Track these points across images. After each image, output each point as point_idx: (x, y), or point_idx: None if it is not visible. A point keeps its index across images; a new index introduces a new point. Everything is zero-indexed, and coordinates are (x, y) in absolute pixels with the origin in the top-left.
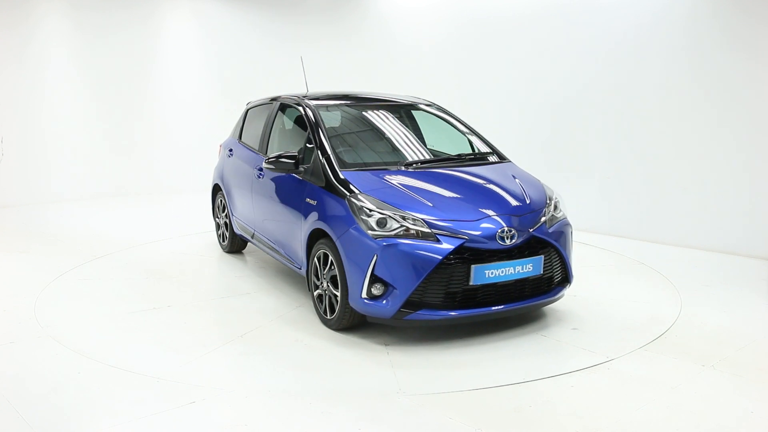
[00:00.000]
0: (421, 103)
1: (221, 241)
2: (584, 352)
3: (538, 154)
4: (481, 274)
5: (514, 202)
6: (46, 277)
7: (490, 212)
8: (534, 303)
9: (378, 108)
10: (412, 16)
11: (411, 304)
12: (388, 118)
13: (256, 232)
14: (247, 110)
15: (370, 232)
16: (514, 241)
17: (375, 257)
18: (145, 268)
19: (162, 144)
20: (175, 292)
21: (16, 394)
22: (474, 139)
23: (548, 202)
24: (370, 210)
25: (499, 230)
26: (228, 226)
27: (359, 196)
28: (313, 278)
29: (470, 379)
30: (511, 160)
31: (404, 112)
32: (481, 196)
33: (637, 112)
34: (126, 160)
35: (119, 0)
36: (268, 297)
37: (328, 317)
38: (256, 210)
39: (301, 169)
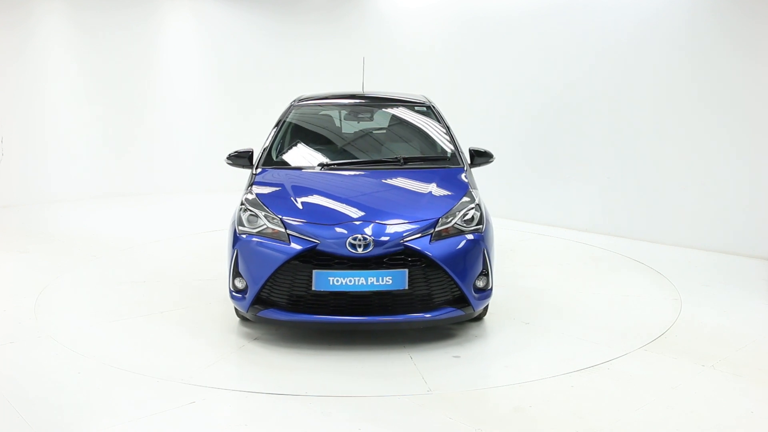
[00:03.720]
0: (414, 102)
1: None
2: (584, 352)
3: (538, 154)
4: (323, 280)
5: (391, 211)
6: (46, 277)
7: (353, 218)
8: (399, 320)
9: (366, 108)
10: (411, 15)
11: (261, 302)
12: (364, 118)
13: None
14: None
15: (239, 227)
16: (368, 250)
17: (236, 252)
18: (145, 268)
19: (162, 144)
20: (175, 292)
21: (16, 394)
22: (445, 139)
23: (449, 214)
24: (244, 207)
25: (351, 237)
26: None
27: (247, 193)
28: None
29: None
30: (463, 165)
31: (396, 111)
32: (362, 201)
33: (636, 111)
34: (126, 160)
35: (119, 0)
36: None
37: None
38: None
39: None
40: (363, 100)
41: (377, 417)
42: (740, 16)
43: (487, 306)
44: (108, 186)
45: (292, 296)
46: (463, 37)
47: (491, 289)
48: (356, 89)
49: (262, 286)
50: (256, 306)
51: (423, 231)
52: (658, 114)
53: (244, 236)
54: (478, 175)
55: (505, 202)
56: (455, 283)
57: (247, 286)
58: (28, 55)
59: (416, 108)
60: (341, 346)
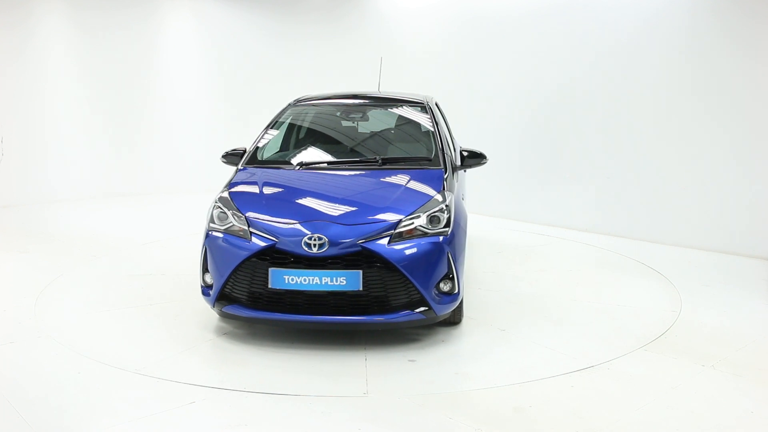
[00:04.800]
0: (412, 102)
1: None
2: (584, 352)
3: (538, 154)
4: (279, 278)
5: (354, 211)
6: (46, 277)
7: (312, 218)
8: (354, 321)
9: (359, 108)
10: (411, 15)
11: (226, 298)
12: (357, 119)
13: None
14: None
15: (210, 224)
16: (323, 249)
17: (205, 248)
18: (145, 268)
19: (162, 144)
20: (175, 292)
21: (16, 394)
22: (433, 140)
23: (413, 216)
24: (216, 205)
25: (306, 236)
26: None
27: (222, 191)
28: None
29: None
30: (444, 167)
31: (389, 111)
32: (327, 201)
33: (636, 111)
34: (126, 160)
35: (119, 0)
36: None
37: None
38: None
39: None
40: (359, 101)
41: (377, 417)
42: (740, 16)
43: (460, 310)
44: (108, 186)
45: (252, 293)
46: (463, 37)
47: (458, 293)
48: (360, 89)
49: (225, 283)
50: (221, 302)
51: (383, 232)
52: (658, 114)
53: (212, 233)
54: (477, 175)
55: (504, 202)
56: (414, 286)
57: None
58: (28, 55)
59: (411, 108)
60: (303, 344)
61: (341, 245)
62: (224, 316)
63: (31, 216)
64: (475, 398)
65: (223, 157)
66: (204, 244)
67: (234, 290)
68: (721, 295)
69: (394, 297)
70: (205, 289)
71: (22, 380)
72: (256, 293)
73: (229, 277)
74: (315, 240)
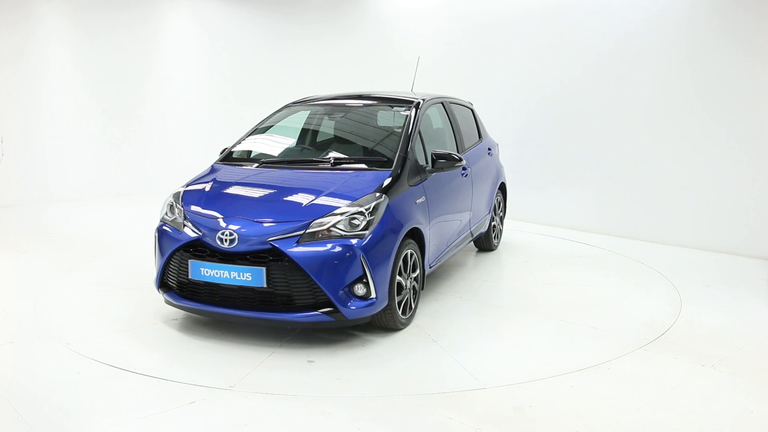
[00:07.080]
0: (403, 101)
1: None
2: (584, 352)
3: (538, 154)
4: (197, 269)
5: (272, 209)
6: (46, 277)
7: (236, 214)
8: (259, 317)
9: (343, 109)
10: (411, 15)
11: (165, 286)
12: (347, 120)
13: None
14: None
15: (162, 216)
16: (233, 245)
17: (155, 238)
18: (145, 268)
19: (162, 144)
20: None
21: (16, 394)
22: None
23: (328, 216)
24: (170, 198)
25: (220, 231)
26: None
27: (182, 185)
28: None
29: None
30: (396, 169)
31: (372, 112)
32: (258, 198)
33: (637, 111)
34: (125, 160)
35: (119, 0)
36: None
37: None
38: None
39: None
40: (351, 102)
41: (377, 417)
42: (741, 16)
43: (394, 316)
44: (108, 186)
45: (180, 283)
46: (463, 37)
47: (376, 298)
48: (360, 89)
49: (162, 272)
50: (163, 289)
51: (294, 231)
52: (658, 114)
53: (160, 225)
54: None
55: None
56: (319, 286)
57: None
58: (28, 55)
59: (400, 109)
60: (227, 334)
61: (250, 242)
62: (167, 303)
63: (31, 216)
64: (475, 398)
65: (220, 154)
66: (154, 234)
67: (169, 279)
68: (721, 295)
69: (300, 296)
70: (156, 277)
71: (22, 380)
72: (183, 283)
73: (164, 266)
74: (226, 235)
